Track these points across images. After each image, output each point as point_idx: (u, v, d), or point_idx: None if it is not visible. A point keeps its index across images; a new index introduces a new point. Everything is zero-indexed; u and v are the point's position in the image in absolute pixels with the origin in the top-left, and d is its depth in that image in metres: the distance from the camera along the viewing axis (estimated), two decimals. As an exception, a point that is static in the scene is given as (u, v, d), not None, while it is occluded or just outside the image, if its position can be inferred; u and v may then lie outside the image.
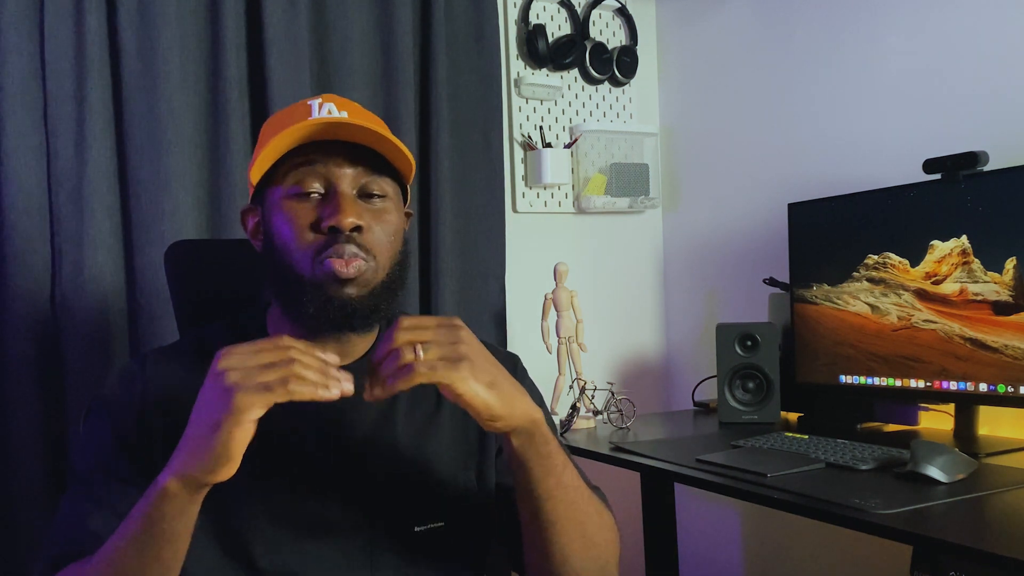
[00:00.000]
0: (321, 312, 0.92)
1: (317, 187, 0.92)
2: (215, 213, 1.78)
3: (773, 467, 1.31)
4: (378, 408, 0.99)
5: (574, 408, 1.82)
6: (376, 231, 0.93)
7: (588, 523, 0.92)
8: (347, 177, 0.93)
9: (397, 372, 0.79)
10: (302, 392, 0.75)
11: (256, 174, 0.94)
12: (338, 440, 0.96)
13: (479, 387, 0.80)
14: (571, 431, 1.79)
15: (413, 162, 0.96)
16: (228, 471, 0.76)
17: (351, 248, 0.90)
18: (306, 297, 0.92)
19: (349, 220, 0.90)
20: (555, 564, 0.91)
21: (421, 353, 0.79)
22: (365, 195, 0.94)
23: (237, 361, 0.75)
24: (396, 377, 0.79)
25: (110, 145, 1.69)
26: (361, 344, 1.00)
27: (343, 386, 0.77)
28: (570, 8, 2.27)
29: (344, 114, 0.92)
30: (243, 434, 0.74)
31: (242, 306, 1.06)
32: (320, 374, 0.76)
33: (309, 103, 0.94)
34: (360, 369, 0.99)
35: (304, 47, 1.86)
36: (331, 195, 0.92)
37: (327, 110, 0.93)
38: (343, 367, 0.98)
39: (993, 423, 1.57)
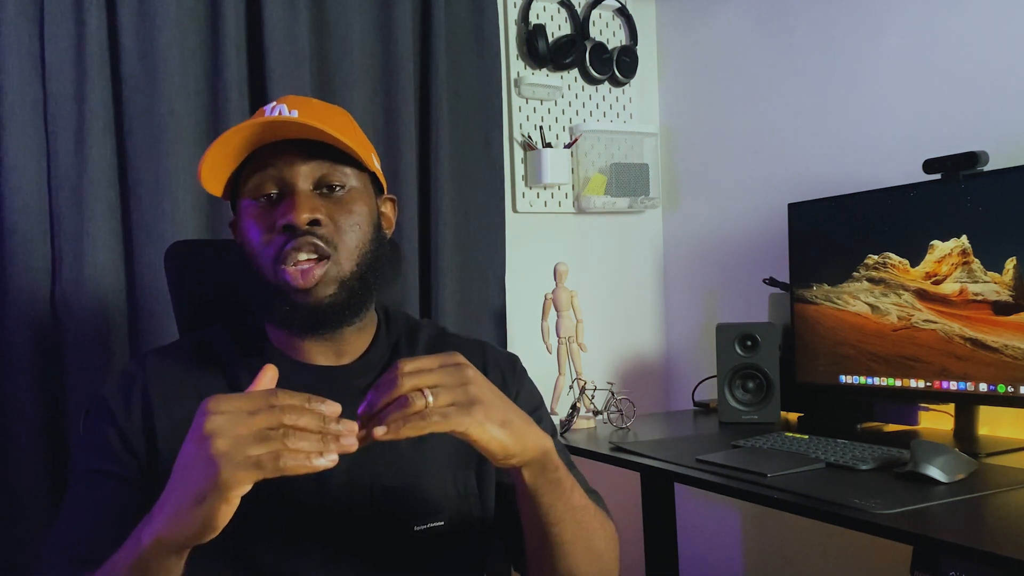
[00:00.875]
0: (291, 318, 0.93)
1: (273, 189, 0.92)
2: (215, 213, 1.78)
3: (773, 467, 1.31)
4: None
5: (574, 408, 1.82)
6: (338, 223, 0.93)
7: (594, 539, 0.93)
8: (302, 174, 0.92)
9: (407, 419, 0.73)
10: (295, 467, 0.68)
11: (210, 185, 0.94)
12: (338, 439, 0.96)
13: (494, 428, 0.77)
14: (571, 431, 1.79)
15: (367, 152, 0.95)
16: (212, 535, 0.71)
17: (309, 243, 0.90)
18: (275, 303, 0.93)
19: (304, 216, 0.89)
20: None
21: (431, 399, 0.74)
22: (326, 187, 0.93)
23: (225, 424, 0.68)
24: (406, 423, 0.73)
25: (110, 145, 1.69)
26: (357, 341, 1.00)
27: (343, 443, 0.71)
28: (570, 8, 2.27)
29: (295, 113, 0.91)
30: (229, 508, 0.69)
31: (242, 306, 1.06)
32: (316, 440, 0.69)
33: (264, 108, 0.93)
34: (358, 370, 0.99)
35: (304, 47, 1.86)
36: (286, 194, 0.92)
37: (278, 111, 0.91)
38: (339, 367, 0.99)
39: (993, 423, 1.57)
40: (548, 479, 0.85)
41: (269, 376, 0.76)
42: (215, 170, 0.94)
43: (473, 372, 0.79)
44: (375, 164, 0.99)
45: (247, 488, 0.68)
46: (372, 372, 1.00)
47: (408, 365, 0.76)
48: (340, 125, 0.94)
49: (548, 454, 0.84)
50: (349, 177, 0.95)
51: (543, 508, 0.87)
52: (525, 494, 0.86)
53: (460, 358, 0.79)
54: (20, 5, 1.62)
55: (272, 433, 0.68)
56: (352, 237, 0.93)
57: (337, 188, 0.94)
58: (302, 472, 0.68)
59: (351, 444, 0.71)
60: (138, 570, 0.74)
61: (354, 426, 0.72)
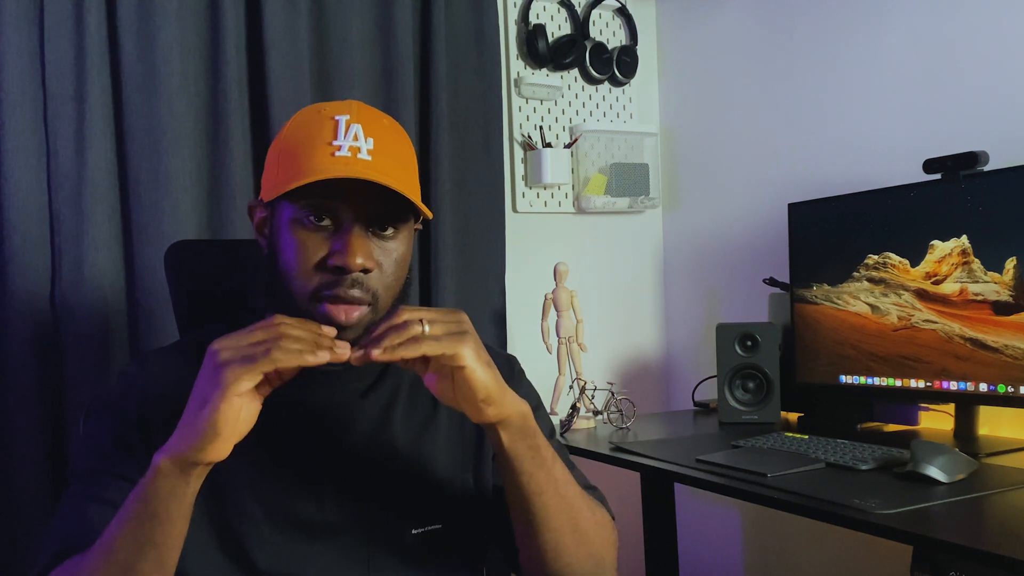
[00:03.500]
0: None
1: (328, 220, 0.88)
2: (215, 213, 1.78)
3: (773, 467, 1.31)
4: (376, 410, 0.99)
5: (574, 408, 1.82)
6: (384, 271, 0.90)
7: (580, 517, 0.93)
8: (362, 213, 0.88)
9: (403, 343, 0.79)
10: (286, 359, 0.75)
11: (271, 195, 0.90)
12: (336, 442, 0.96)
13: (480, 364, 0.81)
14: (571, 431, 1.79)
15: (430, 215, 0.93)
16: (218, 450, 0.76)
17: (354, 292, 0.87)
18: None
19: (358, 261, 0.86)
20: (548, 559, 0.92)
21: (427, 328, 0.80)
22: (377, 232, 0.90)
23: (229, 342, 0.77)
24: (402, 346, 0.79)
25: (110, 145, 1.69)
26: None
27: (336, 352, 0.78)
28: (570, 8, 2.27)
29: (371, 143, 0.87)
30: (231, 409, 0.75)
31: (242, 306, 1.06)
32: (308, 344, 0.77)
33: (336, 119, 0.88)
34: (358, 372, 0.99)
35: (304, 47, 1.86)
36: (343, 231, 0.87)
37: (353, 134, 0.87)
38: (340, 370, 0.99)
39: (993, 423, 1.57)
40: (527, 444, 0.87)
41: None
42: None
43: (466, 317, 0.84)
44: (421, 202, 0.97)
45: (248, 385, 0.75)
46: (372, 374, 1.00)
47: (407, 306, 0.83)
48: (406, 162, 0.92)
49: (526, 418, 0.86)
50: (399, 222, 0.92)
51: (524, 476, 0.87)
52: (506, 462, 0.87)
53: (456, 310, 0.85)
54: (20, 5, 1.62)
55: (269, 339, 0.76)
56: (392, 284, 0.92)
57: (388, 234, 0.91)
58: (293, 364, 0.76)
59: (343, 353, 0.79)
60: (147, 498, 0.78)
61: (348, 345, 0.80)
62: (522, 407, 0.86)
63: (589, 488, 1.02)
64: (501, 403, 0.83)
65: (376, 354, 0.79)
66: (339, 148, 0.86)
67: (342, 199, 0.87)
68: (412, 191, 0.89)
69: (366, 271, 0.88)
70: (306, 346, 0.77)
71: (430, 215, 0.92)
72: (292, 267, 0.88)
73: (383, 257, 0.90)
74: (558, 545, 0.91)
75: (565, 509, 0.90)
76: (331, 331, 0.81)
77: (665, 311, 2.47)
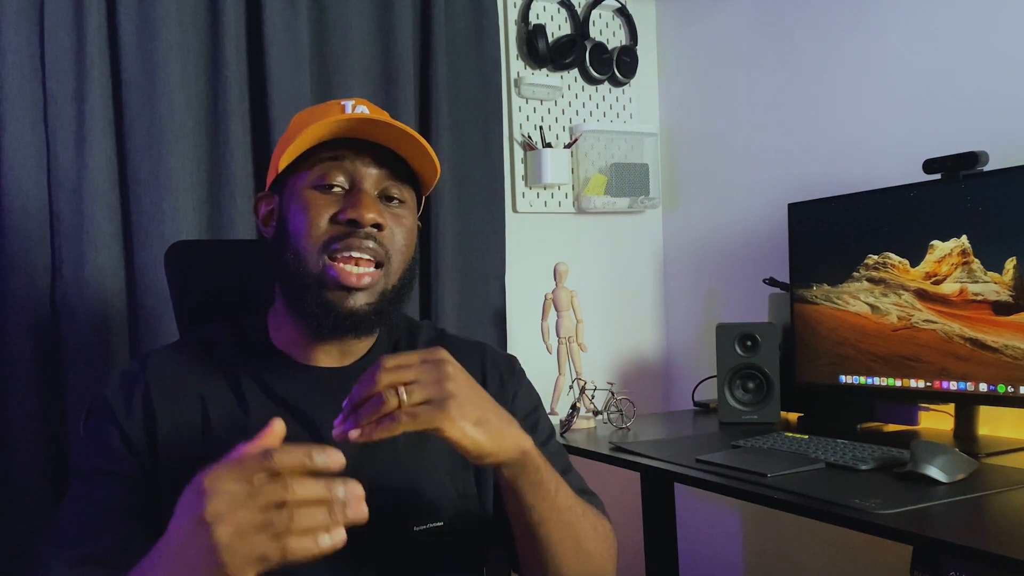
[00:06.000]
0: (324, 318, 0.92)
1: (342, 181, 0.93)
2: (215, 213, 1.78)
3: (773, 467, 1.31)
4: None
5: (574, 408, 1.82)
6: (394, 233, 0.95)
7: (584, 540, 0.93)
8: (372, 177, 0.94)
9: (379, 421, 0.75)
10: (303, 553, 0.64)
11: (285, 162, 0.94)
12: (338, 440, 0.96)
13: (467, 425, 0.78)
14: (571, 431, 1.79)
15: (439, 168, 0.97)
16: None
17: (368, 243, 0.91)
18: (310, 298, 0.92)
19: (370, 216, 0.91)
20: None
21: (405, 397, 0.75)
22: (385, 198, 0.96)
23: (225, 509, 0.64)
24: (378, 426, 0.75)
25: (110, 145, 1.69)
26: (360, 343, 1.00)
27: (350, 515, 0.66)
28: (570, 8, 2.27)
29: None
30: None
31: (242, 306, 1.06)
32: (323, 513, 0.65)
33: (343, 103, 0.96)
34: (359, 371, 0.99)
35: (304, 47, 1.86)
36: (355, 191, 0.93)
37: (360, 111, 0.95)
38: (341, 368, 0.99)
39: (993, 423, 1.57)
40: (529, 480, 0.85)
41: (275, 435, 0.72)
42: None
43: (452, 368, 0.79)
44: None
45: None
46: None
47: (390, 361, 0.77)
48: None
49: (527, 455, 0.84)
50: (406, 193, 0.98)
51: (526, 508, 0.87)
52: (508, 493, 0.87)
53: (442, 354, 0.80)
54: (20, 5, 1.62)
55: (276, 516, 0.63)
56: (403, 250, 0.96)
57: (395, 200, 0.96)
58: (311, 553, 0.64)
59: (360, 514, 0.66)
60: None
61: (360, 497, 0.67)
62: (523, 444, 0.83)
63: (585, 493, 1.02)
64: (498, 452, 0.81)
65: (354, 436, 0.75)
66: (348, 116, 0.92)
67: (353, 158, 0.92)
68: (415, 147, 0.94)
69: (378, 227, 0.92)
70: (320, 519, 0.64)
71: (438, 166, 0.97)
72: (304, 225, 0.92)
73: (392, 221, 0.95)
74: (560, 565, 0.91)
75: (569, 534, 0.91)
76: (338, 461, 0.67)
77: (665, 311, 2.47)
